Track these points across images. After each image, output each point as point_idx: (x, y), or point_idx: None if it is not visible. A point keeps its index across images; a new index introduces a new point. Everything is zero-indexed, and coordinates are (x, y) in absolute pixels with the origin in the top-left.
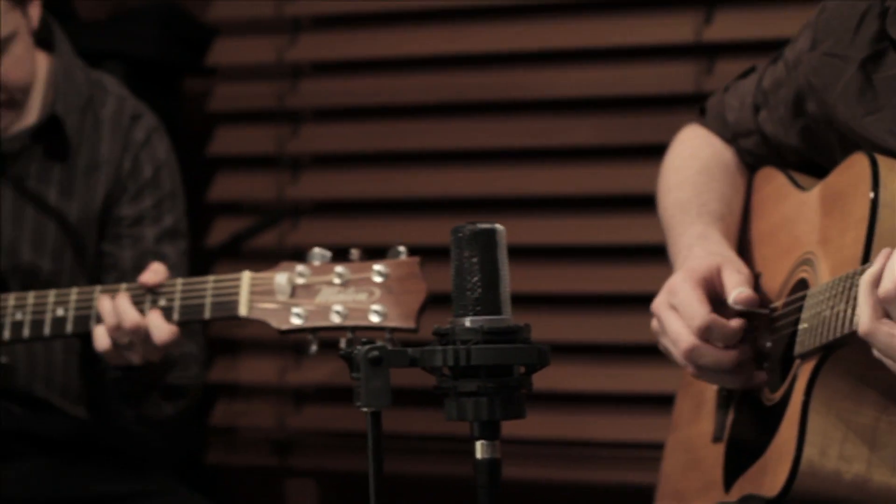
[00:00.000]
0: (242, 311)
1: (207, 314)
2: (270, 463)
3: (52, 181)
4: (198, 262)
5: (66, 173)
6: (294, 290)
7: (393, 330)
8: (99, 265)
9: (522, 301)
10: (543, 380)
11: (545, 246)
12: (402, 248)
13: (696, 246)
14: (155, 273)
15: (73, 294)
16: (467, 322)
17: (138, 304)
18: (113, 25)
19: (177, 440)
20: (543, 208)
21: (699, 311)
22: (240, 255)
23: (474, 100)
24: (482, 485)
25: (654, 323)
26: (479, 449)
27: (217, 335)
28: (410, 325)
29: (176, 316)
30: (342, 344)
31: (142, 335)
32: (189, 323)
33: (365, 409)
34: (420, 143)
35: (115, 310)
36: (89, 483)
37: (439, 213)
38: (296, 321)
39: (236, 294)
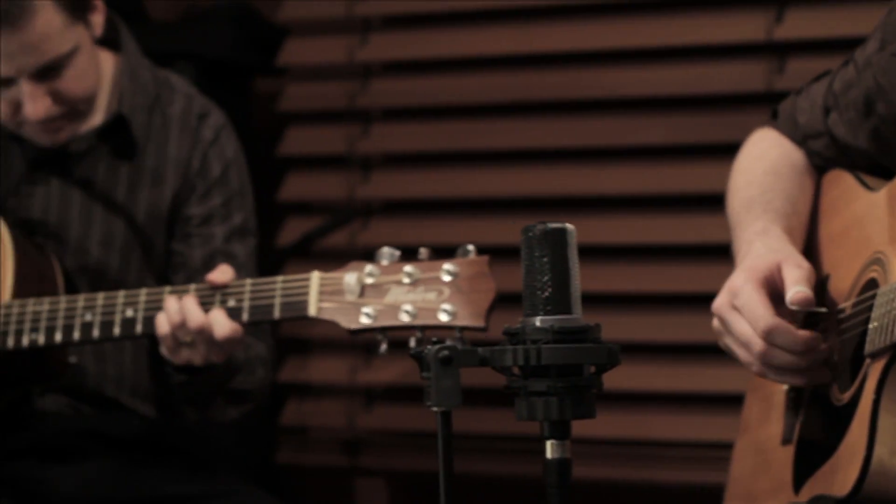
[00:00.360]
0: (312, 311)
1: (277, 314)
2: (340, 462)
3: (119, 180)
4: (268, 261)
5: (133, 172)
6: (363, 290)
7: (462, 329)
8: (167, 264)
9: (593, 300)
10: (614, 379)
11: (615, 245)
12: (470, 247)
13: (757, 241)
14: (223, 273)
15: (143, 295)
16: (538, 321)
17: (206, 304)
18: (184, 26)
19: (247, 440)
20: (614, 207)
21: (763, 314)
22: (310, 254)
23: (545, 99)
24: (552, 484)
25: (716, 323)
26: (550, 449)
27: (288, 335)
28: (480, 323)
29: (245, 316)
30: (412, 343)
31: (205, 335)
32: (258, 323)
33: (435, 409)
34: (490, 142)
35: (181, 309)
36: (159, 483)
37: (510, 212)
38: (365, 321)
39: (305, 294)
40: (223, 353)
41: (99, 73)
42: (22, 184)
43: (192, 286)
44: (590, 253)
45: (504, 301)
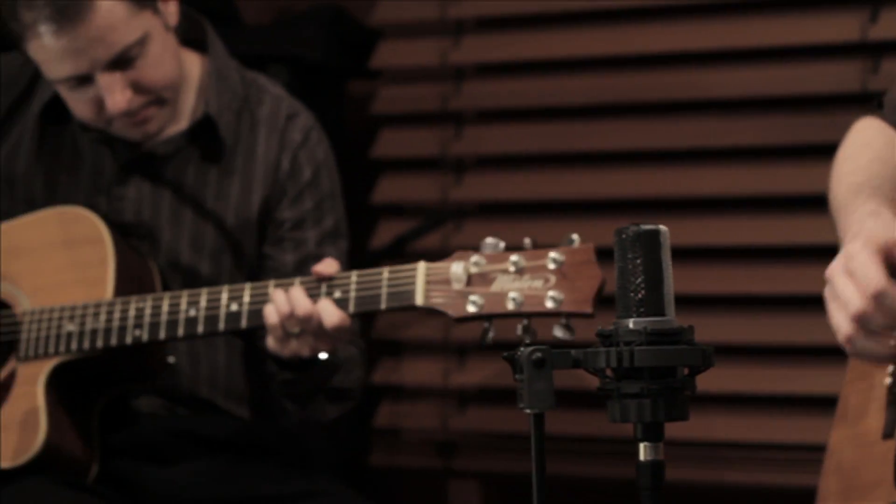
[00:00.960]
0: (418, 300)
1: (383, 304)
2: (433, 464)
3: (209, 183)
4: (362, 264)
5: (222, 174)
6: (469, 279)
7: (569, 315)
8: (259, 267)
9: (686, 302)
10: (707, 381)
11: (709, 247)
12: (575, 237)
13: (869, 220)
14: (328, 266)
15: (247, 289)
16: (631, 323)
17: (312, 296)
18: (278, 30)
19: (341, 442)
20: (707, 209)
21: (875, 275)
22: (404, 257)
23: (638, 100)
24: (645, 487)
25: (826, 290)
26: (643, 451)
27: (381, 337)
28: (587, 309)
29: (351, 307)
30: (518, 331)
31: (313, 325)
32: (365, 314)
33: (528, 411)
34: (583, 144)
35: (289, 299)
36: (254, 483)
37: (603, 214)
38: (471, 309)
39: (412, 284)
40: (330, 343)
41: (177, 64)
42: (113, 187)
43: (298, 279)
44: (683, 254)
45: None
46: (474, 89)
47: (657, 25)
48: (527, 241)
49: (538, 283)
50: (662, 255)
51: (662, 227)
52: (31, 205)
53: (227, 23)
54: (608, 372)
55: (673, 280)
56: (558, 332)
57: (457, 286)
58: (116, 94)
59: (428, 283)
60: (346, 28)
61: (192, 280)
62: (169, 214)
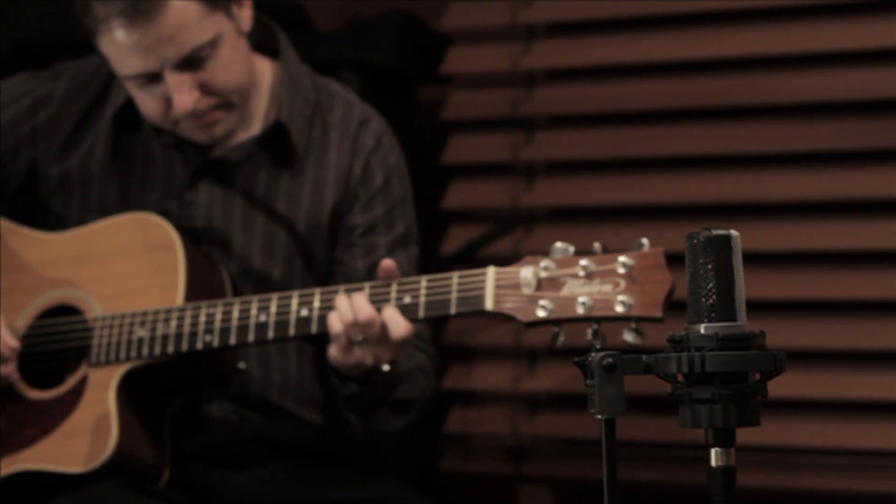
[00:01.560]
0: (488, 305)
1: (453, 310)
2: (504, 470)
3: (280, 189)
4: (432, 269)
5: (294, 181)
6: (539, 284)
7: (639, 320)
8: (330, 272)
9: (757, 307)
10: (778, 387)
11: (781, 252)
12: (644, 240)
13: None
14: (391, 265)
15: (317, 294)
16: (702, 329)
17: (380, 302)
18: (349, 35)
19: (412, 447)
20: (779, 214)
21: None
22: (474, 262)
23: (710, 105)
24: (716, 492)
25: None
26: (714, 456)
27: (452, 342)
28: (657, 314)
29: (421, 312)
30: (588, 336)
31: (376, 332)
32: (434, 318)
33: (599, 416)
34: (654, 149)
35: (351, 306)
36: (325, 488)
37: (674, 219)
38: (541, 314)
39: (482, 289)
40: (393, 351)
41: (248, 68)
42: (185, 192)
43: (367, 283)
44: (754, 259)
45: (668, 308)
46: (545, 94)
47: (730, 29)
48: (596, 245)
49: (608, 288)
50: (734, 260)
51: (734, 232)
52: (104, 210)
53: (298, 29)
54: (679, 377)
55: (744, 285)
56: (628, 337)
57: (526, 291)
58: (184, 94)
59: (498, 287)
60: (416, 33)
61: (263, 285)
62: (240, 220)
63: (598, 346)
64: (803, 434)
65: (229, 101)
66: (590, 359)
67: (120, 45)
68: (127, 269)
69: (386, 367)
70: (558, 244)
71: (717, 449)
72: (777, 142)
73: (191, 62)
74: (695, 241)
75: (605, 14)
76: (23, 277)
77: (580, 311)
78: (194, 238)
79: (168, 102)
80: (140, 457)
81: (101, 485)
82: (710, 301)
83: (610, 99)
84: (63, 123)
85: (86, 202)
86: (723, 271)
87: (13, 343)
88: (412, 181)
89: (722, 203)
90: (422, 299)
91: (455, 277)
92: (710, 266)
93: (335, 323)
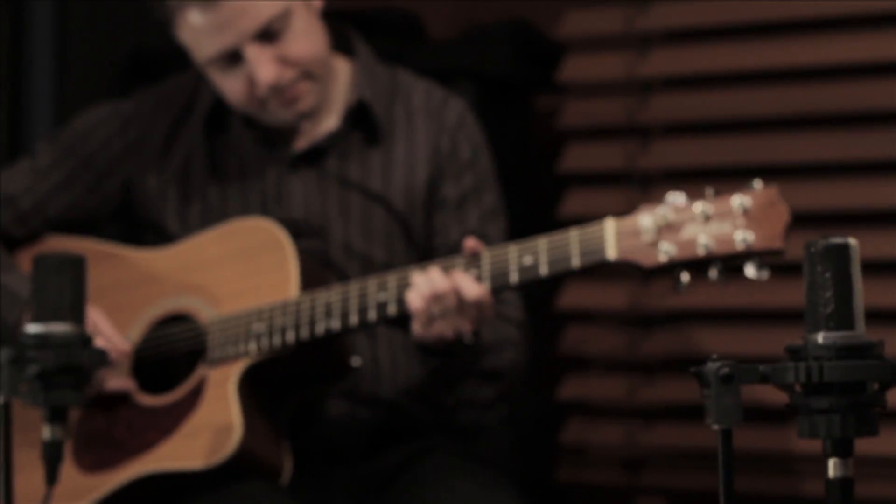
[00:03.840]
0: (610, 253)
1: (575, 262)
2: (620, 481)
3: (373, 170)
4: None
5: (385, 161)
6: (658, 230)
7: (761, 254)
8: (428, 247)
9: (876, 316)
10: None
11: None
12: (757, 181)
13: None
14: (472, 249)
15: (392, 278)
16: (820, 338)
17: (494, 274)
18: (463, 45)
19: (527, 457)
20: None
21: None
22: (590, 271)
23: (828, 111)
24: None
25: None
26: (832, 467)
27: (567, 353)
28: (777, 245)
29: (544, 269)
30: (711, 276)
31: (452, 302)
32: (559, 275)
33: (715, 427)
34: (772, 156)
35: (426, 278)
36: (438, 484)
37: (792, 227)
38: (663, 258)
39: (602, 239)
40: (473, 320)
41: (323, 41)
42: (280, 186)
43: (485, 252)
44: (873, 268)
45: (787, 318)
46: (661, 102)
47: (849, 35)
48: (709, 190)
49: (726, 226)
50: (852, 269)
51: (852, 241)
52: (205, 215)
53: (413, 38)
54: (797, 387)
55: (863, 293)
56: (750, 272)
57: (647, 237)
58: (266, 66)
59: (618, 236)
60: (531, 42)
61: (367, 267)
62: (337, 206)
63: (715, 357)
64: None
65: (310, 72)
66: (706, 368)
67: (196, 28)
68: (236, 273)
69: (468, 340)
70: (671, 193)
71: (834, 459)
72: (892, 149)
73: (267, 34)
74: (812, 250)
75: (721, 21)
76: (131, 294)
77: (701, 252)
78: (295, 230)
79: (251, 81)
80: (262, 454)
81: (244, 485)
82: (829, 310)
83: (727, 106)
84: (154, 137)
85: (184, 213)
86: (841, 280)
87: (125, 345)
88: (527, 190)
89: (840, 211)
90: (542, 257)
91: (573, 231)
92: (827, 275)
93: (414, 299)
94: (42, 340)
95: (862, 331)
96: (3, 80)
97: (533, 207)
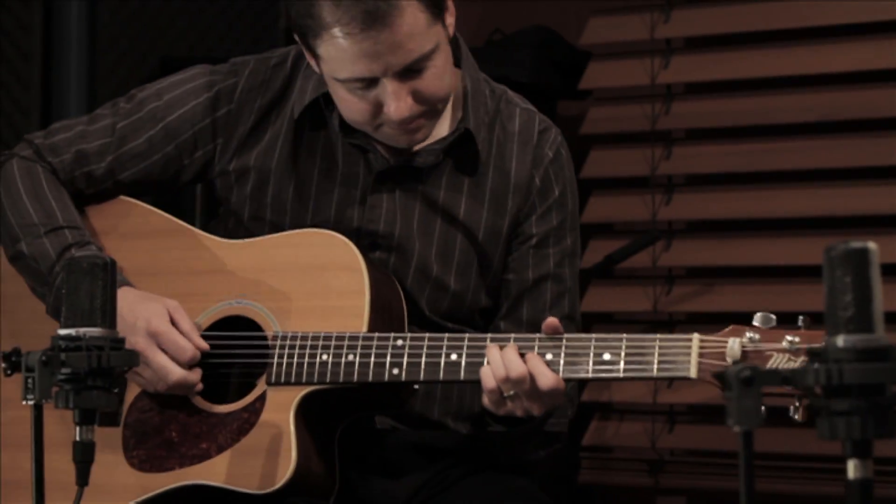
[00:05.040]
0: (692, 372)
1: (655, 372)
2: (642, 482)
3: (461, 196)
4: None
5: (475, 188)
6: (745, 355)
7: None
8: (500, 279)
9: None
10: None
11: None
12: None
13: None
14: (552, 327)
15: (466, 340)
16: (840, 341)
17: (569, 358)
18: (489, 51)
19: (552, 459)
20: None
21: None
22: (613, 276)
23: (847, 118)
24: None
25: None
26: (852, 468)
27: None
28: None
29: (621, 374)
30: (791, 413)
31: (526, 387)
32: (635, 380)
33: (737, 429)
34: (793, 162)
35: (502, 360)
36: (481, 497)
37: (812, 231)
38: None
39: (687, 355)
40: (543, 404)
41: (454, 78)
42: (367, 195)
43: (513, 336)
44: (892, 271)
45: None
46: (683, 108)
47: (868, 42)
48: (802, 319)
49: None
50: (871, 273)
51: (871, 245)
52: (278, 209)
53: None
54: (817, 389)
55: (882, 297)
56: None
57: (731, 361)
58: (401, 101)
59: (702, 356)
60: (555, 49)
61: (439, 292)
62: (420, 226)
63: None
64: None
65: (435, 110)
66: (727, 371)
67: (345, 49)
68: (308, 287)
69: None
70: (760, 313)
71: (854, 460)
72: None
73: (411, 70)
74: (832, 254)
75: (742, 28)
76: (200, 282)
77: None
78: (374, 242)
79: (377, 106)
80: (315, 477)
81: None
82: (849, 313)
83: (748, 112)
84: (243, 119)
85: (261, 199)
86: (860, 284)
87: (204, 345)
88: None
89: (859, 215)
90: (622, 360)
91: (658, 341)
92: (847, 279)
93: (488, 378)
94: (73, 343)
95: (882, 334)
96: (36, 87)
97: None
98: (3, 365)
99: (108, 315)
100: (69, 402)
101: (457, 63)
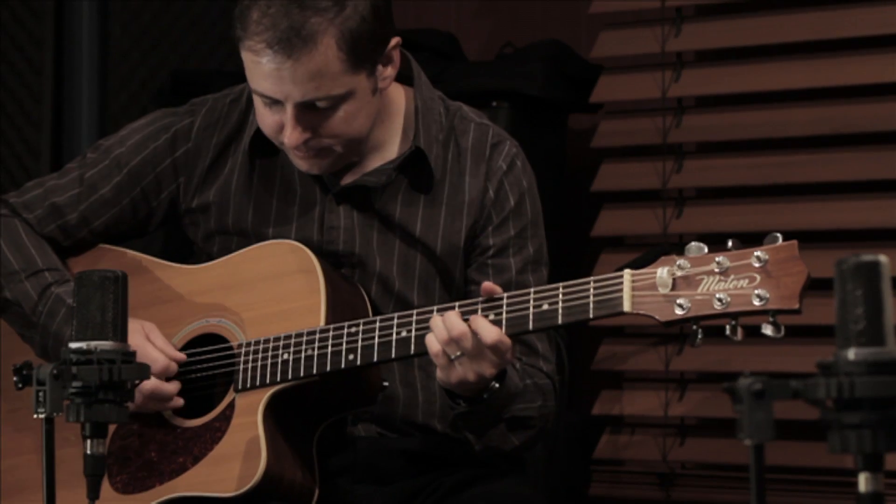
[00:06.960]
0: (626, 306)
1: (591, 313)
2: (654, 495)
3: (417, 212)
4: None
5: (430, 204)
6: (675, 283)
7: (776, 312)
8: (464, 293)
9: None
10: None
11: None
12: (778, 234)
13: None
14: (488, 292)
15: (414, 315)
16: (851, 354)
17: (487, 314)
18: (500, 65)
19: (562, 473)
20: None
21: None
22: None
23: (858, 131)
24: None
25: None
26: (863, 482)
27: (600, 368)
28: (793, 305)
29: (560, 318)
30: (727, 332)
31: (469, 345)
32: (574, 324)
33: (748, 442)
34: (805, 175)
35: (443, 323)
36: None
37: (823, 245)
38: (679, 312)
39: (619, 291)
40: (493, 363)
41: (371, 121)
42: (325, 217)
43: (457, 303)
44: None
45: (818, 334)
46: (694, 122)
47: (879, 55)
48: (730, 241)
49: (744, 283)
50: (883, 286)
51: (883, 258)
52: (242, 234)
53: (451, 59)
54: (828, 402)
55: (894, 310)
56: (767, 330)
57: (663, 290)
58: (294, 130)
59: (634, 289)
60: (567, 63)
61: (403, 308)
62: (379, 243)
63: (748, 373)
64: None
65: (332, 150)
66: (738, 384)
67: (256, 63)
68: (271, 294)
69: (495, 385)
70: (693, 243)
71: (865, 474)
72: None
73: (313, 106)
74: (843, 268)
75: (753, 42)
76: (169, 309)
77: (717, 306)
78: (336, 262)
79: (281, 125)
80: (290, 479)
81: None
82: (860, 327)
83: (759, 125)
84: (202, 156)
85: (224, 231)
86: (871, 297)
87: (179, 355)
88: (563, 208)
89: (870, 228)
90: (560, 306)
91: (591, 282)
92: (858, 292)
93: (433, 343)
94: (84, 357)
95: (892, 347)
96: (47, 101)
97: (568, 225)
98: (15, 378)
99: (119, 328)
100: (80, 415)
101: (408, 82)
